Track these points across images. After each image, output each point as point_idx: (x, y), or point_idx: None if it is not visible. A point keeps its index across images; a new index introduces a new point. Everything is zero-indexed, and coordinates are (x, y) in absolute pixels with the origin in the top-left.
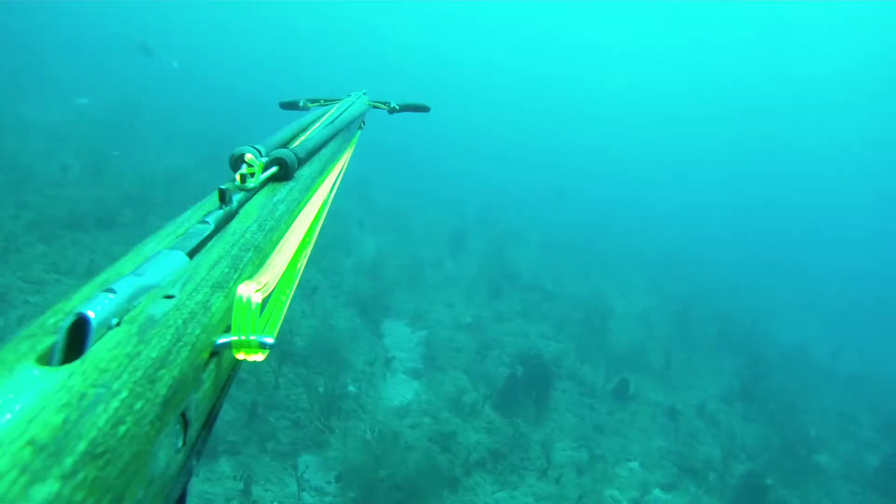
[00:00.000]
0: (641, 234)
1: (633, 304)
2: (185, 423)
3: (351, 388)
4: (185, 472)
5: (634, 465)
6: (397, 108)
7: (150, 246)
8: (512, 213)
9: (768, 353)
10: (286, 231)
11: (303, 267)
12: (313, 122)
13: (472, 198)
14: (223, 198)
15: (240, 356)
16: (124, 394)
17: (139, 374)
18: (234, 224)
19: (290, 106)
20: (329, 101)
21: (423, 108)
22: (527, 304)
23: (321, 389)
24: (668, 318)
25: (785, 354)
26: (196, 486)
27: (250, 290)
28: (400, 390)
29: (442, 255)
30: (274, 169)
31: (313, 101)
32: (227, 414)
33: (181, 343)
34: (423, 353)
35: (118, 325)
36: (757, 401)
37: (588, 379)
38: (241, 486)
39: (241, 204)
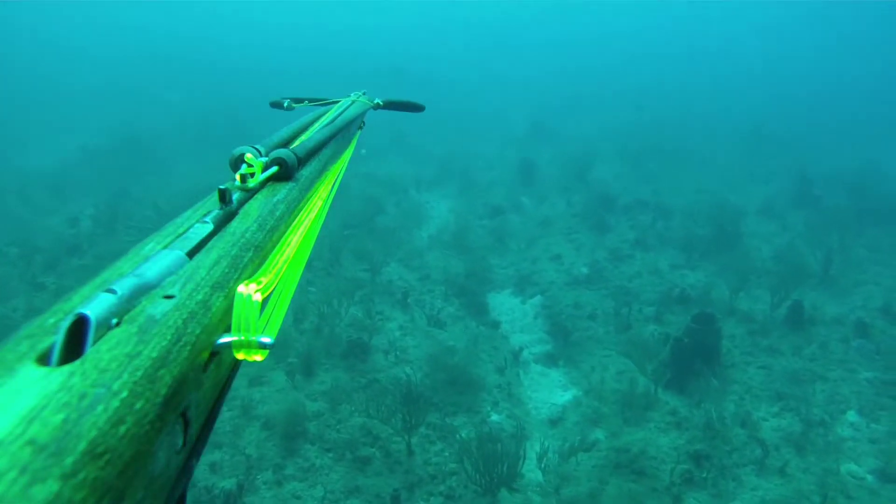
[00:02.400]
0: (715, 119)
1: (748, 196)
2: (186, 423)
3: (494, 416)
4: (186, 472)
5: (852, 415)
6: (381, 104)
7: (149, 246)
8: (568, 129)
9: None
10: (286, 231)
11: (303, 267)
12: (313, 122)
13: (516, 124)
14: (223, 198)
15: (240, 356)
16: (124, 394)
17: (139, 374)
18: (234, 224)
19: (276, 105)
20: (316, 101)
21: (416, 107)
22: (639, 229)
23: (462, 435)
24: (795, 202)
25: None
26: None
27: (250, 290)
28: (545, 394)
29: (517, 195)
30: (274, 169)
31: (297, 100)
32: None
33: (181, 343)
34: (547, 328)
35: (118, 325)
36: None
37: (751, 311)
38: None
39: (241, 204)
